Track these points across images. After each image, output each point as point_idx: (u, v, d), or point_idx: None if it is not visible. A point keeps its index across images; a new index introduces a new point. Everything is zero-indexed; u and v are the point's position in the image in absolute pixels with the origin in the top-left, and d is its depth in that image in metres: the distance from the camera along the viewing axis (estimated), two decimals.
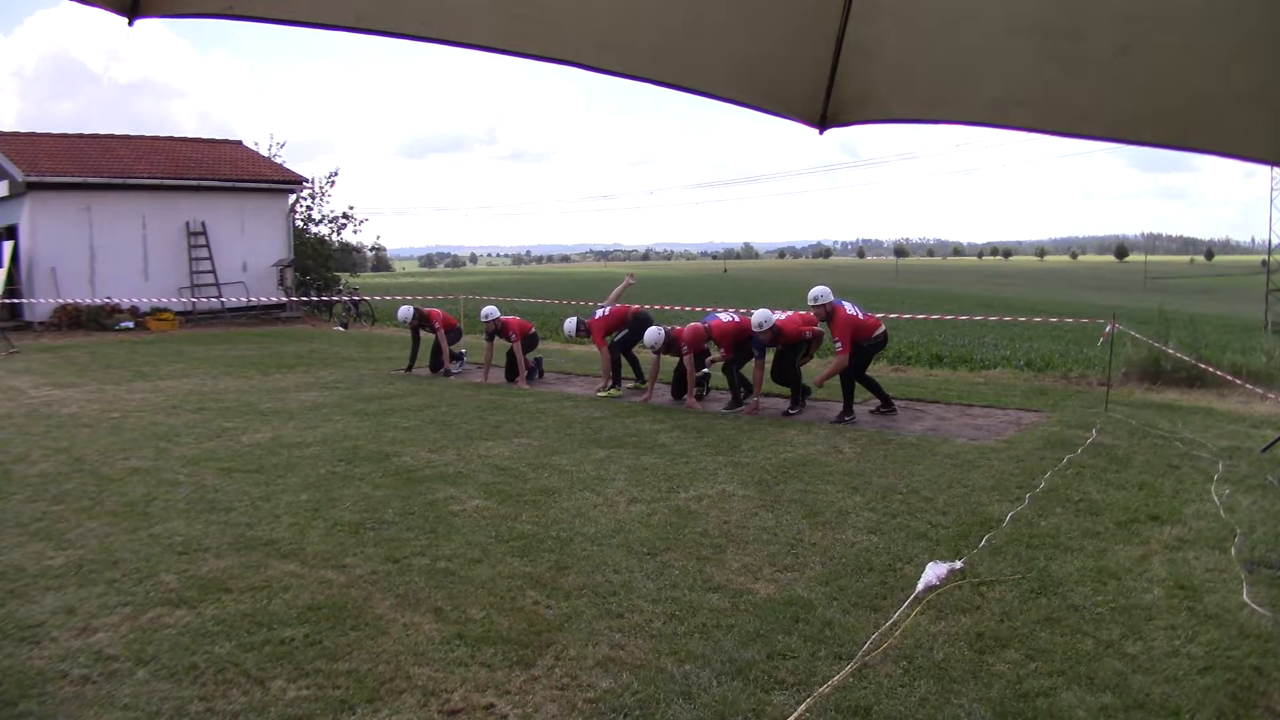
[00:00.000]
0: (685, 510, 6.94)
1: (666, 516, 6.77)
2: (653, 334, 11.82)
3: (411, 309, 15.17)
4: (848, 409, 10.83)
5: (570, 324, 13.52)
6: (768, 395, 11.84)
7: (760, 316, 10.98)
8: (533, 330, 14.51)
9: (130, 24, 2.21)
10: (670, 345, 11.78)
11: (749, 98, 2.65)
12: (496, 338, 14.35)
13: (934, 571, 5.47)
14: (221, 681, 4.22)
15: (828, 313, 10.96)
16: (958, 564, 5.66)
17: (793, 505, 7.06)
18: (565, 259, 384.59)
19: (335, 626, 4.82)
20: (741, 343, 11.49)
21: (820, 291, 11.09)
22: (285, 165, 33.89)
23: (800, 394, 11.51)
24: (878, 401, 11.24)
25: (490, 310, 14.25)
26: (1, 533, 6.45)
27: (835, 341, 10.97)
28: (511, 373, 14.18)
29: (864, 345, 11.07)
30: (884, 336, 11.46)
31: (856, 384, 11.03)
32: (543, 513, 6.88)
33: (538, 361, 14.82)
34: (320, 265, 34.61)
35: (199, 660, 4.42)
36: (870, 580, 5.49)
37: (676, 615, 4.96)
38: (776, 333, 11.07)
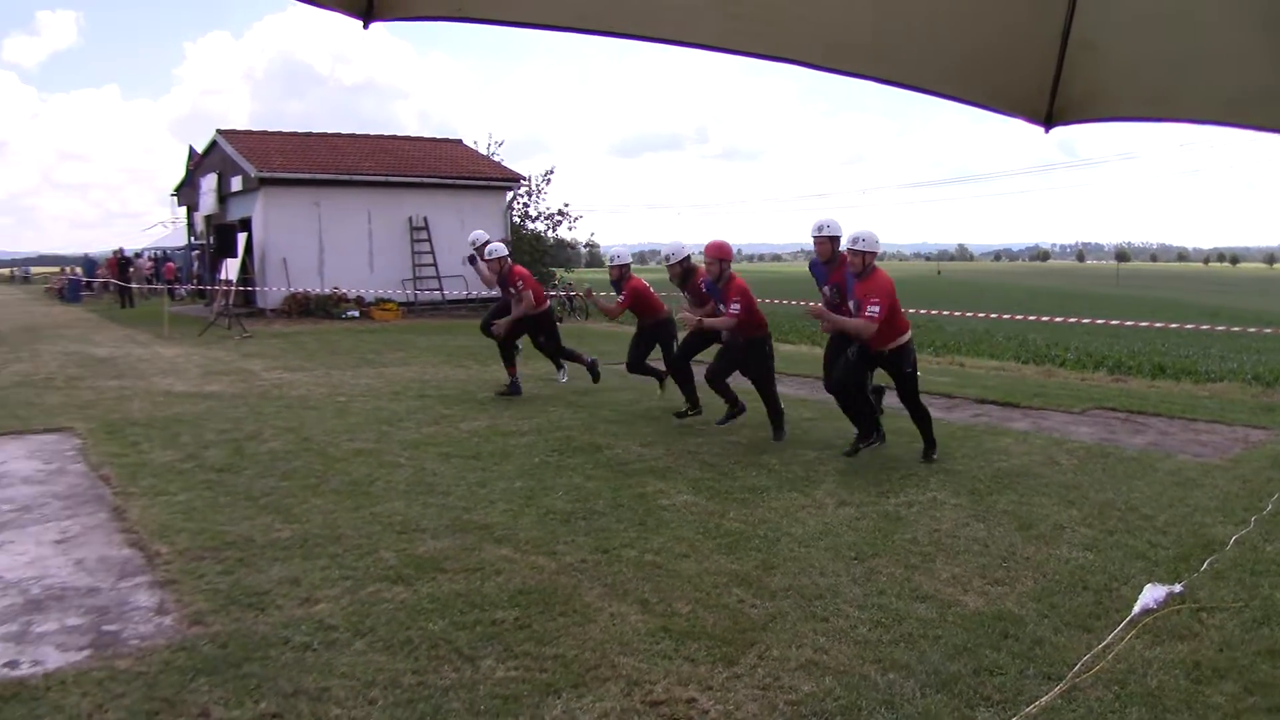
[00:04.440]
0: (894, 516, 6.78)
1: (875, 521, 6.63)
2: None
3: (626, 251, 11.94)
4: (868, 432, 8.98)
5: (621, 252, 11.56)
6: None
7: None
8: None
9: (365, 27, 2.30)
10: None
11: (973, 95, 2.58)
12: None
13: (1152, 594, 5.15)
14: (434, 657, 4.38)
15: (865, 265, 8.35)
16: (1177, 587, 5.30)
17: (1005, 517, 6.79)
18: (776, 258, 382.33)
19: (545, 611, 4.94)
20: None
21: (866, 234, 8.43)
22: (503, 163, 35.04)
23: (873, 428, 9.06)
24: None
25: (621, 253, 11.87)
26: (234, 505, 6.90)
27: (870, 305, 8.15)
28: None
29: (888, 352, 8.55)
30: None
31: (861, 401, 8.81)
32: (750, 511, 6.86)
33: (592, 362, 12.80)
34: (536, 260, 35.65)
35: (413, 635, 4.61)
36: (1084, 599, 5.22)
37: (882, 623, 4.86)
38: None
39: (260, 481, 7.58)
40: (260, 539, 6.11)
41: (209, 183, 32.87)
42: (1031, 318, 18.10)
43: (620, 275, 11.09)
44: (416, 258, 29.49)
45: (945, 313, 20.09)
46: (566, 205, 40.01)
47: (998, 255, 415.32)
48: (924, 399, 8.24)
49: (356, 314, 26.82)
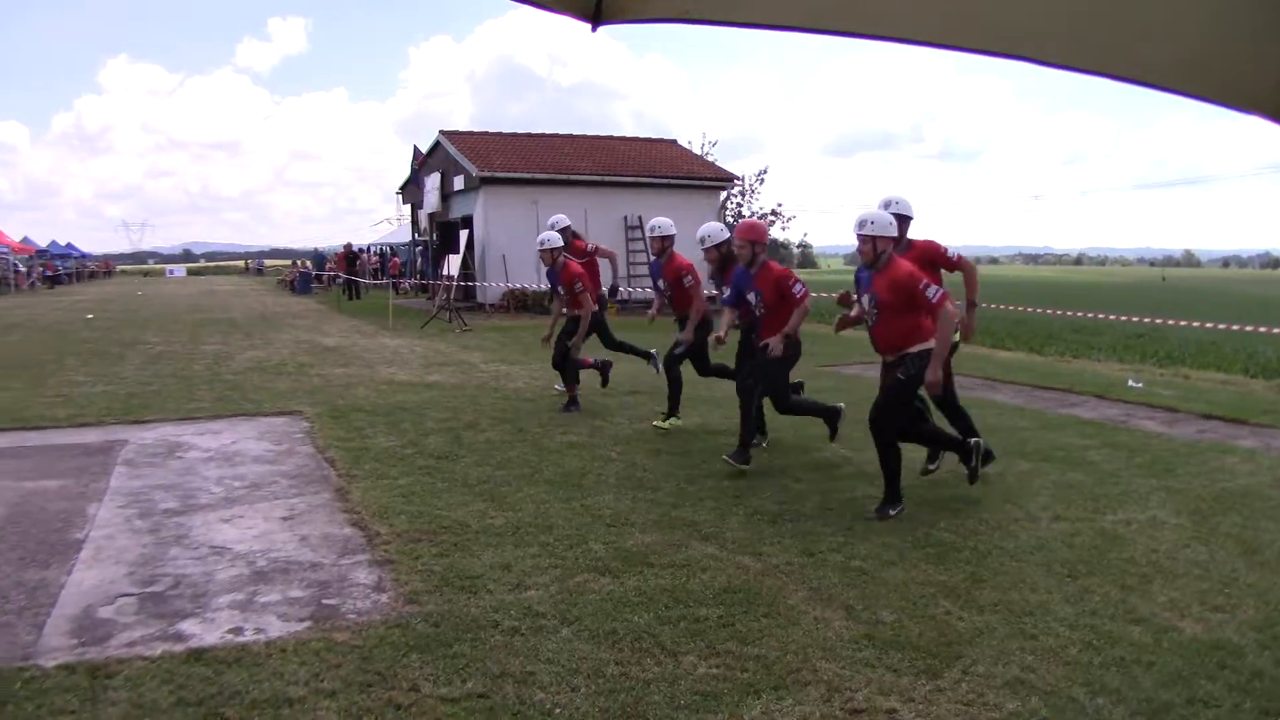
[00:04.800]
0: (1111, 534, 6.44)
1: (1091, 539, 6.32)
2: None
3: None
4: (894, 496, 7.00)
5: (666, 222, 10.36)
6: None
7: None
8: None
9: (593, 29, 2.33)
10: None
11: (1207, 91, 2.43)
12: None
13: None
14: (637, 649, 4.44)
15: (877, 254, 6.92)
16: None
17: (1228, 540, 6.34)
18: (993, 261, 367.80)
19: (748, 611, 4.93)
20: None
21: (877, 215, 7.01)
22: (717, 163, 35.17)
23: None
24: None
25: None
26: (451, 491, 7.16)
27: (925, 289, 6.69)
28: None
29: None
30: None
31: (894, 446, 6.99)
32: (961, 521, 6.66)
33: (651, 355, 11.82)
34: None
35: (618, 627, 4.69)
36: None
37: (1093, 644, 4.64)
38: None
39: (477, 470, 7.86)
40: (475, 525, 6.33)
41: (432, 182, 34.27)
42: (1262, 329, 16.84)
43: (662, 249, 10.03)
44: (631, 256, 29.91)
45: (1169, 321, 18.93)
46: (779, 205, 39.94)
47: (1226, 262, 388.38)
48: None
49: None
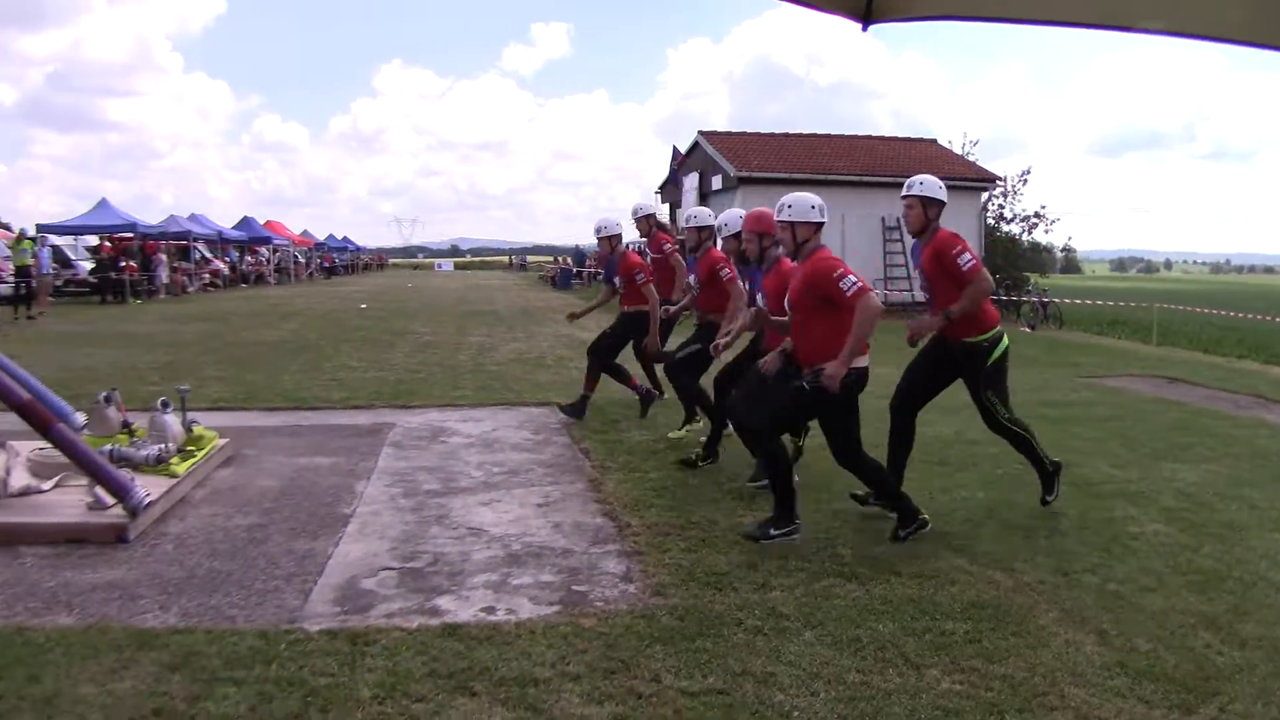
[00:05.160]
0: None
1: None
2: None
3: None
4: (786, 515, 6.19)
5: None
6: None
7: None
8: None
9: (864, 29, 2.36)
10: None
11: None
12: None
13: None
14: (880, 659, 4.40)
15: (797, 243, 6.35)
16: None
17: None
18: (1269, 270, 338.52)
19: (996, 629, 4.80)
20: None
21: (797, 198, 6.38)
22: (977, 164, 34.12)
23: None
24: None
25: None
26: (701, 488, 7.34)
27: (842, 280, 5.92)
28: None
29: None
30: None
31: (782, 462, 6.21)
32: (1227, 549, 6.23)
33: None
34: (1009, 264, 34.33)
35: (861, 634, 4.65)
36: None
37: None
38: None
39: (727, 467, 7.97)
40: (724, 522, 6.44)
41: (691, 181, 34.74)
42: None
43: (699, 241, 8.89)
44: (888, 258, 29.49)
45: None
46: (1043, 207, 38.40)
47: None
48: None
49: None
